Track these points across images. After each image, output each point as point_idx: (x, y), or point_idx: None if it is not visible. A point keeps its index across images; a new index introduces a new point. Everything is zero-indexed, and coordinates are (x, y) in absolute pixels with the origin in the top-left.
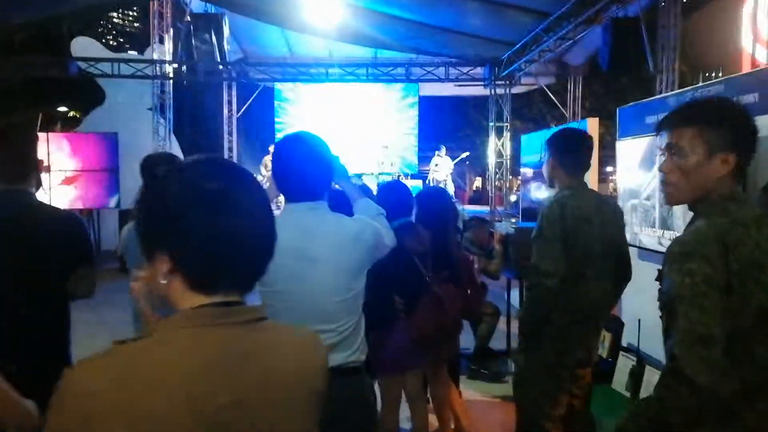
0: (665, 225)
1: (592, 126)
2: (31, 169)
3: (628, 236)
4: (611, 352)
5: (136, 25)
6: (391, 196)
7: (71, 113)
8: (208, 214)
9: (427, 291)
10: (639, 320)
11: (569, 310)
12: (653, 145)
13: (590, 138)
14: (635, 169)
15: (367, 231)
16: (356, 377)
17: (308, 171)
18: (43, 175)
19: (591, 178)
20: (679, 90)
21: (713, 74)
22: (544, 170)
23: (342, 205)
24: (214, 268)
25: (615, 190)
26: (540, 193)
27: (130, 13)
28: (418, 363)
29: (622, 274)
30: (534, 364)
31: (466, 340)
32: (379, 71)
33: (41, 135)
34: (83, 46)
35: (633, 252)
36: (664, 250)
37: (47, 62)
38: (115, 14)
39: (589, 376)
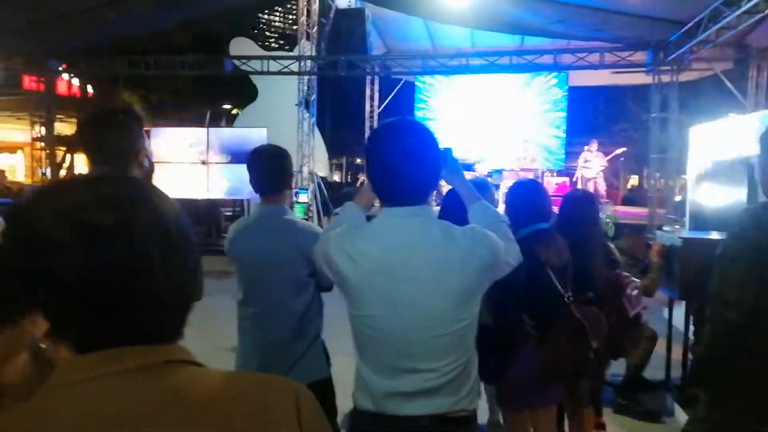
0: None
1: None
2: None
3: None
4: None
5: (288, 24)
6: (522, 197)
7: (234, 110)
8: None
9: (564, 314)
10: None
11: (762, 355)
12: None
13: None
14: None
15: (482, 246)
16: (465, 429)
17: (409, 169)
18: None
19: None
20: None
21: None
22: (757, 173)
23: (457, 209)
24: None
25: None
26: (714, 196)
27: (284, 12)
28: (551, 399)
29: None
30: (719, 421)
31: (616, 364)
32: (524, 60)
33: (204, 130)
34: (239, 46)
35: None
36: None
37: (205, 61)
38: (268, 15)
39: None
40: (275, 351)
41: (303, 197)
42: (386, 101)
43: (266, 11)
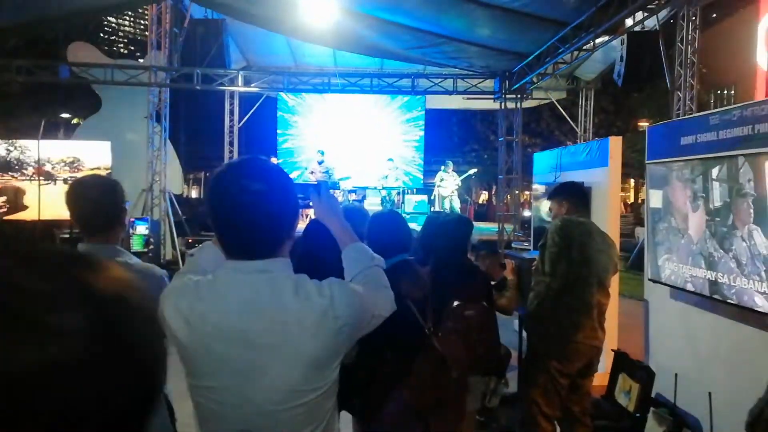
0: (711, 264)
1: (615, 145)
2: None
3: (650, 268)
4: (640, 406)
5: (140, 29)
6: (382, 229)
7: (74, 120)
8: None
9: (426, 346)
10: (675, 375)
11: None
12: (695, 170)
13: None
14: (670, 194)
15: (342, 305)
16: None
17: (257, 220)
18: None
19: (612, 199)
20: (725, 107)
21: (725, 92)
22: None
23: (320, 237)
24: None
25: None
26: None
27: (134, 17)
28: None
29: None
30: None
31: None
32: (384, 82)
33: (44, 143)
34: (80, 51)
35: (663, 290)
36: (703, 291)
37: (38, 66)
38: (116, 18)
39: None
40: None
41: (141, 228)
42: (247, 116)
43: (115, 14)
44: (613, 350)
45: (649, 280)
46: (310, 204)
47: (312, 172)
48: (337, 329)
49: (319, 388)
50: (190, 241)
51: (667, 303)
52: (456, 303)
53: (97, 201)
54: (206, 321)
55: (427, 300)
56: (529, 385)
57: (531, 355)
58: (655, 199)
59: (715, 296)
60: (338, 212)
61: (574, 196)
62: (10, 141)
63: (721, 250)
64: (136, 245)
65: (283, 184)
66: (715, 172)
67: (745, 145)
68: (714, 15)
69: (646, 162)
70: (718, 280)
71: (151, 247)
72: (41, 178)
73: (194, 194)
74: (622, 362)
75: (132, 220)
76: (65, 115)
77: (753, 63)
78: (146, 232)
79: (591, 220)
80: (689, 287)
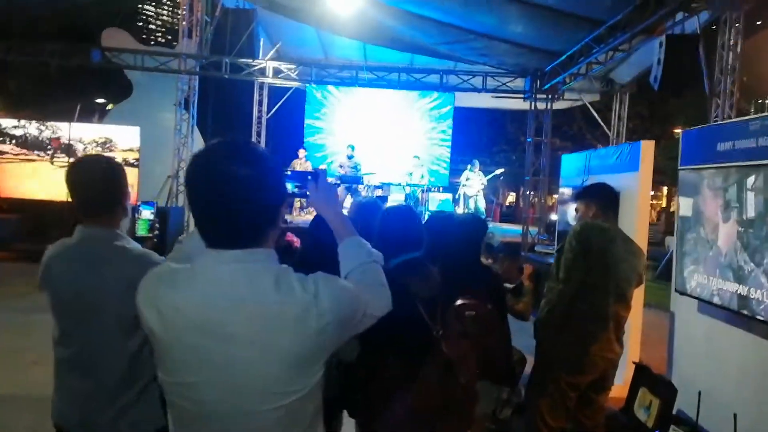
0: (741, 278)
1: (647, 149)
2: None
3: (677, 279)
4: (659, 422)
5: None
6: (393, 226)
7: (109, 106)
8: None
9: (434, 350)
10: (699, 392)
11: (586, 312)
12: (729, 178)
13: None
14: (701, 203)
15: (329, 301)
16: None
17: (234, 206)
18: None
19: (641, 205)
20: (763, 114)
21: (766, 102)
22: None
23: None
24: None
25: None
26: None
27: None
28: None
29: None
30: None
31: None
32: (412, 78)
33: (76, 125)
34: (114, 37)
35: (690, 303)
36: (732, 306)
37: (69, 50)
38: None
39: None
40: (97, 400)
41: (146, 213)
42: (275, 107)
43: (153, 2)
44: (634, 363)
45: (676, 291)
46: (307, 193)
47: (341, 166)
48: (320, 327)
49: (301, 389)
50: None
51: (694, 316)
52: (458, 302)
53: (96, 182)
54: (179, 312)
55: (437, 301)
56: (535, 395)
57: (540, 363)
58: (685, 207)
59: (744, 312)
60: (335, 203)
61: (604, 199)
62: (41, 122)
63: (752, 264)
64: (141, 230)
65: (266, 168)
66: (750, 181)
67: None
68: (759, 22)
69: (679, 168)
70: (749, 294)
71: (156, 232)
72: (63, 156)
73: None
74: (643, 376)
75: (138, 203)
76: (100, 101)
77: None
78: (151, 217)
79: (617, 227)
80: (717, 301)
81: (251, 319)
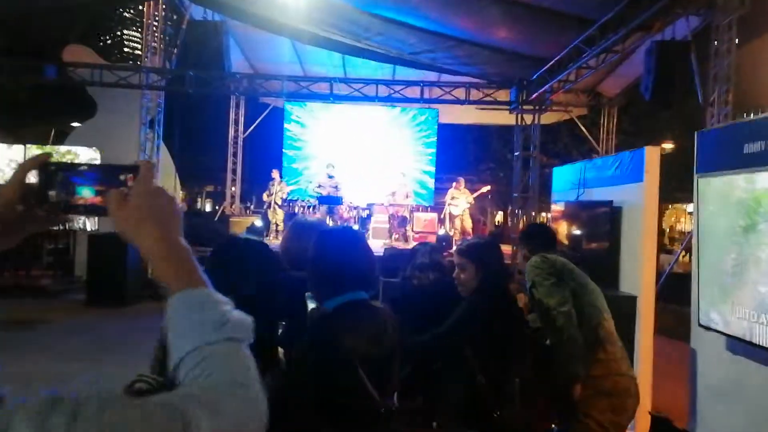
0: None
1: (652, 156)
2: None
3: (700, 311)
4: None
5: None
6: (330, 255)
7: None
8: None
9: (381, 429)
10: None
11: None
12: (762, 185)
13: None
14: (722, 217)
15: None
16: None
17: None
18: None
19: (647, 219)
20: None
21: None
22: None
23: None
24: None
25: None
26: (571, 236)
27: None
28: None
29: None
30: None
31: None
32: (391, 90)
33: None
34: (76, 54)
35: (716, 339)
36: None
37: (22, 67)
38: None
39: None
40: None
41: None
42: (252, 126)
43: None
44: (650, 413)
45: (700, 326)
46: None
47: (320, 186)
48: None
49: None
50: None
51: (722, 355)
52: None
53: None
54: None
55: (390, 361)
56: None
57: (566, 408)
58: (705, 223)
59: None
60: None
61: (536, 238)
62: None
63: None
64: None
65: None
66: None
67: None
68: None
69: (696, 175)
70: None
71: None
72: None
73: (208, 208)
74: (662, 430)
75: None
76: (76, 124)
77: None
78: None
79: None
80: (753, 339)
81: None
